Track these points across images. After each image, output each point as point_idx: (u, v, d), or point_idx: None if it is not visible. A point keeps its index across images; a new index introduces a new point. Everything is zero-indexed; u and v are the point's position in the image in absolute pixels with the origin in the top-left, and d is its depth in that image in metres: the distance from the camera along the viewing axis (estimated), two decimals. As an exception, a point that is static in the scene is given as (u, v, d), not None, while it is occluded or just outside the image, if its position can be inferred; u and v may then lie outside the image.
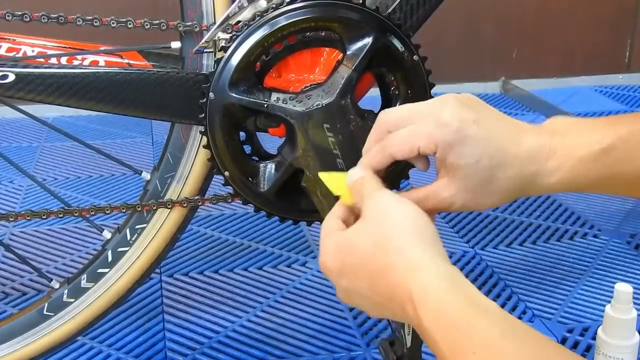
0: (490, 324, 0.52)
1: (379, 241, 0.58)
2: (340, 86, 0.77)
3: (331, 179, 0.66)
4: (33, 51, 0.86)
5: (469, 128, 0.62)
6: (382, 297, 0.58)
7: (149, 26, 0.82)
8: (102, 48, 0.87)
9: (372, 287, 0.58)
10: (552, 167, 0.63)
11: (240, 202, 0.83)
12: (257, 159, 0.84)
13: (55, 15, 0.81)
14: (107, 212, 0.88)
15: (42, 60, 0.85)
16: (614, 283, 0.95)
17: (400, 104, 0.82)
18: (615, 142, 0.62)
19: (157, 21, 0.83)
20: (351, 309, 1.18)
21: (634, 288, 0.97)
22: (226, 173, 0.81)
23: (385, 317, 0.66)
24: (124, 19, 0.82)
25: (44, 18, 0.81)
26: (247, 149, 0.84)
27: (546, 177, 0.63)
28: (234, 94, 0.77)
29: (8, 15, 0.80)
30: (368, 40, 0.78)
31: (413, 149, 0.63)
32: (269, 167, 0.82)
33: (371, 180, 0.63)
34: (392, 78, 0.82)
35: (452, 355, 0.52)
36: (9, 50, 0.86)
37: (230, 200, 0.88)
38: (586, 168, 0.63)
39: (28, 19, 0.81)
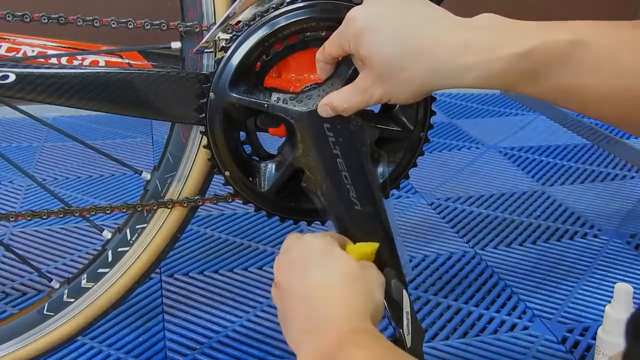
0: None
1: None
2: (341, 86, 0.77)
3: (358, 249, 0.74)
4: (33, 51, 0.86)
5: (373, 20, 0.65)
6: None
7: (149, 26, 0.82)
8: (102, 48, 0.87)
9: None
10: (469, 63, 0.62)
11: (240, 202, 0.83)
12: (257, 158, 0.84)
13: (56, 16, 0.81)
14: (107, 212, 0.88)
15: (42, 60, 0.85)
16: (614, 283, 0.95)
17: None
18: (535, 48, 0.61)
19: (158, 21, 0.83)
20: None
21: (634, 288, 0.97)
22: (226, 173, 0.81)
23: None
24: (124, 19, 0.82)
25: (44, 18, 0.81)
26: (247, 149, 0.84)
27: (464, 73, 0.63)
28: (234, 94, 0.77)
29: (8, 16, 0.80)
30: None
31: (339, 46, 0.69)
32: (269, 167, 0.82)
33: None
34: None
35: None
36: (9, 50, 0.86)
37: (230, 200, 0.88)
38: (505, 68, 0.62)
39: (28, 19, 0.81)
